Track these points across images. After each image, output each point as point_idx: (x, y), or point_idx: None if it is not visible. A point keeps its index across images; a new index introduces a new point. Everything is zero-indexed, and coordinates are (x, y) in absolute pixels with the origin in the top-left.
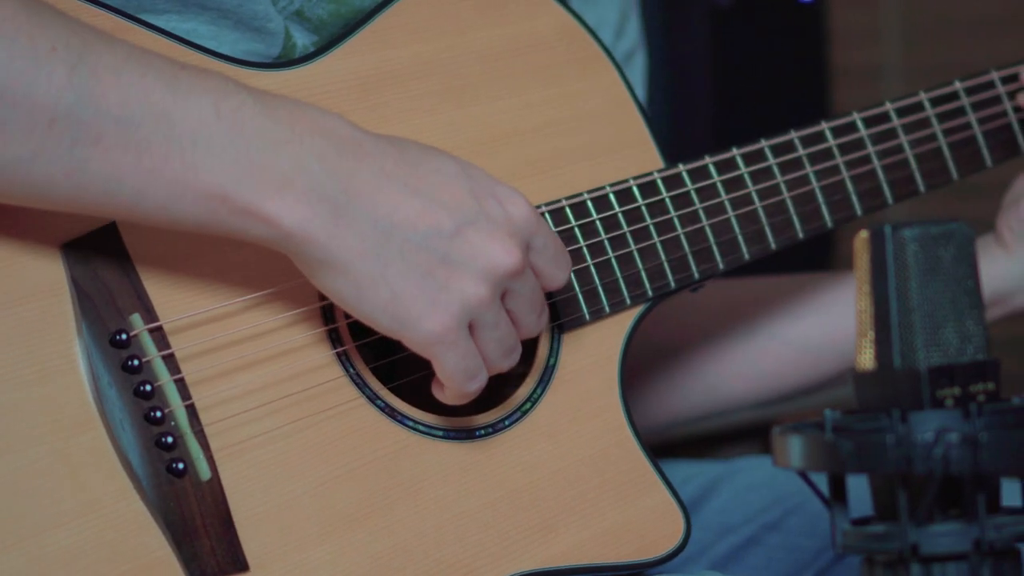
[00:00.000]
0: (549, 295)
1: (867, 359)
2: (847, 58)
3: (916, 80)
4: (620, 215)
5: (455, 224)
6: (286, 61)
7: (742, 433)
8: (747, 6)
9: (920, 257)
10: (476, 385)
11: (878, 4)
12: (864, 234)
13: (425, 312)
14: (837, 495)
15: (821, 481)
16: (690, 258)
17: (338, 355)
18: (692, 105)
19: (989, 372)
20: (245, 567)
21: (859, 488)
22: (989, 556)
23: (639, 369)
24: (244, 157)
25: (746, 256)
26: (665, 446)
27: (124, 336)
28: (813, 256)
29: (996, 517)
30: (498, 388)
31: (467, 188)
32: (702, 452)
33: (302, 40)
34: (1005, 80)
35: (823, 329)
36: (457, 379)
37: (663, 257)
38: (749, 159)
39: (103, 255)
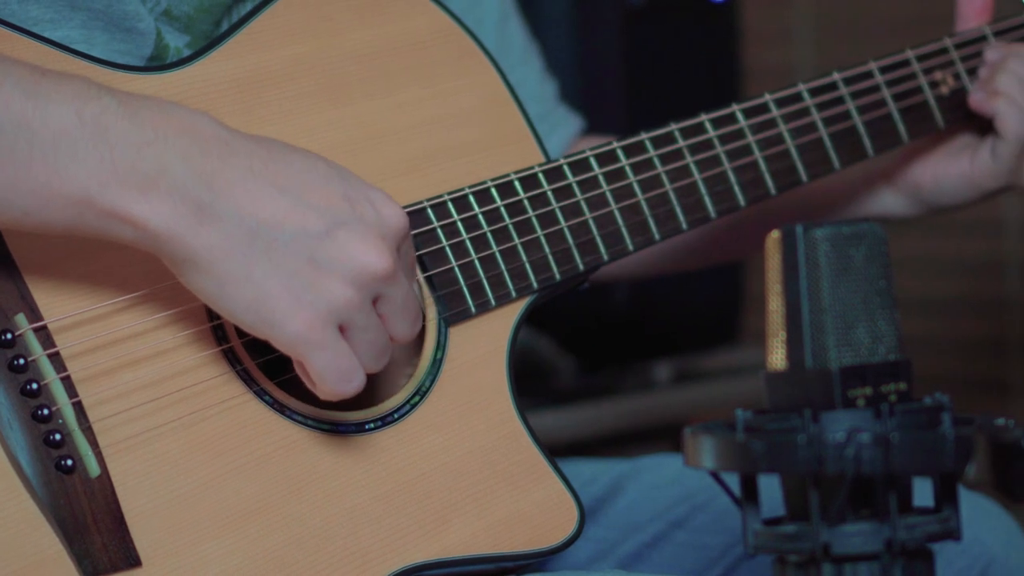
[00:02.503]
0: (432, 287)
1: (779, 359)
2: (759, 58)
3: None
4: (502, 209)
5: (325, 225)
6: (163, 64)
7: (652, 433)
8: (659, 5)
9: (832, 257)
10: (352, 387)
11: (791, 4)
12: (776, 234)
13: (290, 312)
14: (749, 495)
15: (732, 481)
16: (574, 250)
17: (224, 351)
18: (604, 105)
19: (901, 372)
20: (137, 562)
21: (771, 488)
22: (901, 556)
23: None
24: (107, 161)
25: (631, 248)
26: (573, 445)
27: (9, 336)
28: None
29: (908, 517)
30: (385, 382)
31: (340, 190)
32: (610, 451)
33: (175, 42)
34: (883, 70)
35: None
36: (328, 380)
37: (547, 250)
38: (630, 151)
39: None
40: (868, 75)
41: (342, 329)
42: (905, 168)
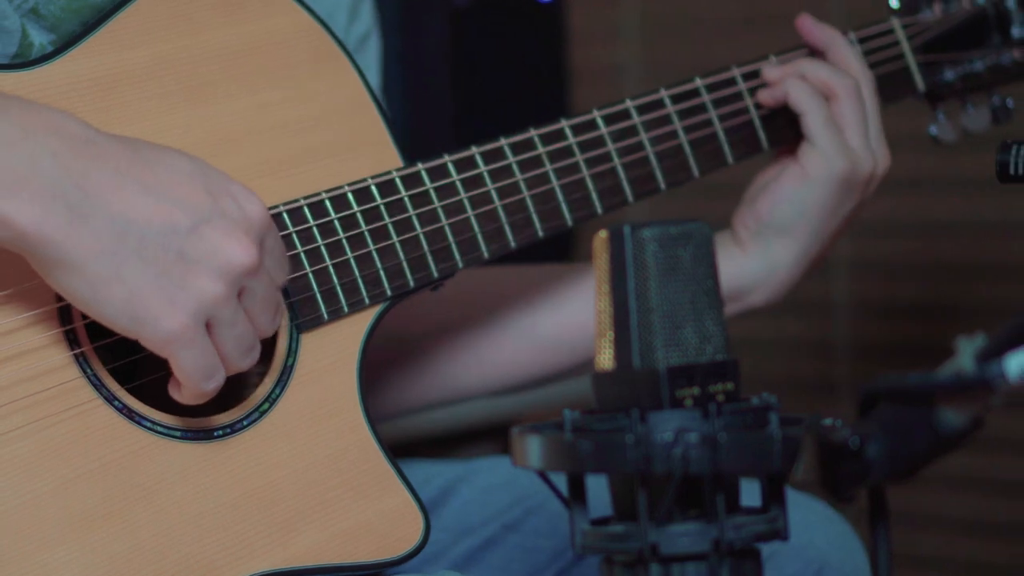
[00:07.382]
0: (286, 294)
1: (606, 359)
2: (586, 57)
3: (656, 79)
4: (359, 214)
5: (191, 221)
6: (22, 62)
7: (481, 433)
8: (485, 5)
9: (659, 257)
10: (214, 384)
11: (617, 4)
12: (603, 234)
13: (162, 310)
14: (576, 495)
15: (562, 482)
16: (429, 257)
17: (76, 356)
18: (431, 105)
19: (728, 372)
20: None
21: (599, 488)
22: (728, 556)
23: (374, 358)
24: None
25: (486, 255)
26: (404, 446)
27: None
28: (553, 252)
29: (735, 517)
30: (237, 388)
31: (203, 186)
32: (441, 452)
33: (39, 39)
34: (746, 77)
35: (557, 321)
36: (195, 378)
37: (402, 256)
38: (488, 157)
39: None
40: (731, 82)
41: (208, 326)
42: (739, 211)
